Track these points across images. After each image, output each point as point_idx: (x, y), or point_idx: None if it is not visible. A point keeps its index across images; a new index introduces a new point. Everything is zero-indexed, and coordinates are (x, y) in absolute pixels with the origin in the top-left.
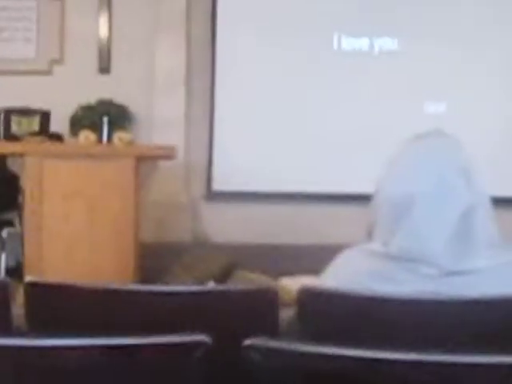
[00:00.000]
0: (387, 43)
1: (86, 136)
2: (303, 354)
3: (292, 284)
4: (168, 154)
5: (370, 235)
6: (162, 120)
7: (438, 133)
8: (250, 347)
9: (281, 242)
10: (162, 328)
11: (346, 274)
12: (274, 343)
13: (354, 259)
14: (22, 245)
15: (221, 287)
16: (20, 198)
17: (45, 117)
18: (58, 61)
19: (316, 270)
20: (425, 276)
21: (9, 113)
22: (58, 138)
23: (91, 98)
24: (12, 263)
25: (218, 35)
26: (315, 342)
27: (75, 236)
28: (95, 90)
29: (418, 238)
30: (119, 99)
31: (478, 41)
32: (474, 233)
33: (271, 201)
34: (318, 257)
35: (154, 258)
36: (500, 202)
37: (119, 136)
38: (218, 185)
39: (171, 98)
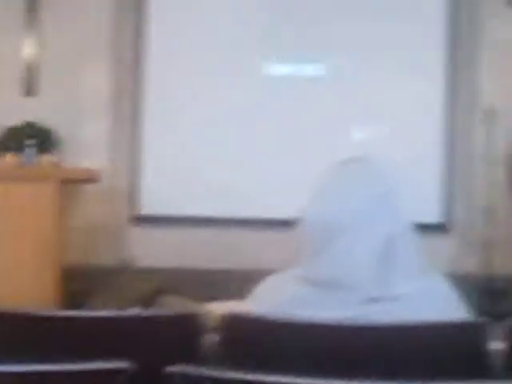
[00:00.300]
0: (314, 69)
1: (10, 159)
2: (226, 381)
3: (218, 309)
4: (93, 177)
5: (296, 260)
6: (88, 143)
7: (363, 159)
8: (172, 374)
9: (208, 266)
10: (85, 354)
11: (270, 300)
12: (196, 370)
13: (277, 285)
14: None
15: (146, 312)
16: None
17: None
18: None
19: (243, 295)
20: (346, 302)
21: None
22: None
23: (17, 121)
24: None
25: (146, 60)
26: (239, 368)
27: None
28: (21, 112)
29: (341, 265)
30: (46, 122)
31: (406, 66)
32: (395, 260)
33: (199, 225)
34: (245, 282)
35: (80, 282)
36: (425, 228)
37: (44, 159)
38: (144, 209)
39: (97, 121)
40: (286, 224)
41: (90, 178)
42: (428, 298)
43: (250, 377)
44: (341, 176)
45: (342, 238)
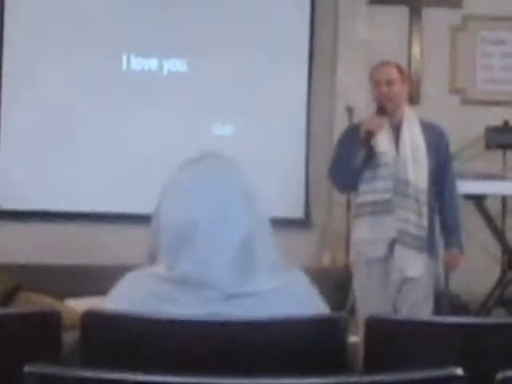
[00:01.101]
0: (176, 64)
1: None
2: (82, 380)
3: (77, 306)
4: None
5: (152, 258)
6: None
7: (215, 155)
8: (28, 373)
9: (68, 262)
10: None
11: (130, 297)
12: (53, 369)
13: (137, 281)
14: None
15: (2, 310)
16: None
17: None
18: None
19: (104, 292)
20: (207, 299)
21: None
22: None
23: None
24: None
25: (5, 52)
26: (97, 367)
27: None
28: None
29: (200, 264)
30: None
31: (265, 63)
32: (254, 257)
33: (58, 220)
34: (106, 278)
35: None
36: (281, 223)
37: None
38: (2, 203)
39: None
40: (147, 220)
41: None
42: (287, 294)
43: (107, 375)
44: (197, 174)
45: (199, 238)
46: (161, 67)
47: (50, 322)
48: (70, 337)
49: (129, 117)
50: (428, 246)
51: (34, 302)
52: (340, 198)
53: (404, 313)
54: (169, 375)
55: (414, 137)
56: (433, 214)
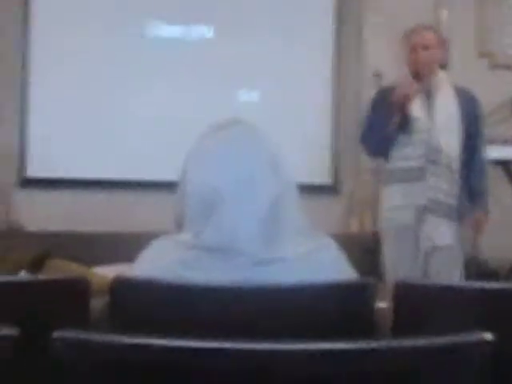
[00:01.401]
0: (202, 31)
1: None
2: (113, 345)
3: (106, 273)
4: None
5: (178, 225)
6: None
7: (239, 122)
8: (58, 339)
9: (96, 229)
10: None
11: (158, 263)
12: (81, 335)
13: (164, 248)
14: None
15: (31, 277)
16: None
17: None
18: None
19: (131, 259)
20: (234, 265)
21: None
22: None
23: None
24: None
25: (31, 20)
26: (126, 333)
27: None
28: None
29: (227, 230)
30: None
31: (292, 29)
32: (282, 222)
33: (86, 188)
34: (133, 245)
35: None
36: (308, 189)
37: None
38: (31, 171)
39: None
40: (174, 187)
41: None
42: (315, 260)
43: (137, 341)
44: (222, 140)
45: (226, 204)
46: (186, 34)
47: (78, 289)
48: (98, 303)
49: (153, 84)
50: (458, 214)
51: (63, 269)
52: (368, 164)
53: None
54: (196, 341)
55: (447, 103)
56: (463, 180)
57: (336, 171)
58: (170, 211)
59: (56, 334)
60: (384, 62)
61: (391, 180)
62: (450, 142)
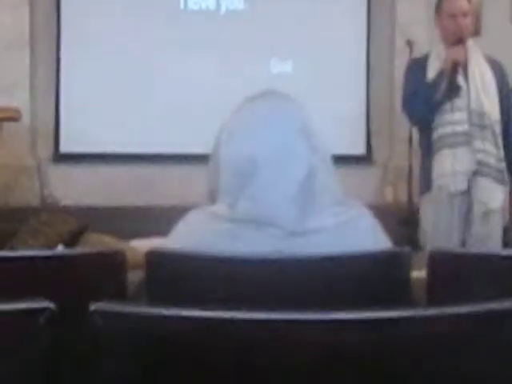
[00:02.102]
0: (233, 2)
1: None
2: (150, 317)
3: (141, 246)
4: (12, 116)
5: (212, 198)
6: (5, 81)
7: (274, 93)
8: (95, 312)
9: (130, 203)
10: (6, 294)
11: (193, 235)
12: (119, 307)
13: (199, 220)
14: None
15: (68, 251)
16: None
17: None
18: None
19: (166, 232)
20: (269, 236)
21: None
22: None
23: None
24: None
25: None
26: (162, 305)
27: None
28: None
29: (263, 201)
30: None
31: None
32: (317, 192)
33: (120, 162)
34: (167, 218)
35: (0, 223)
36: (342, 160)
37: None
38: (65, 147)
39: (15, 58)
40: (207, 160)
41: (10, 117)
42: (351, 229)
43: (174, 312)
44: (257, 111)
45: (260, 175)
46: (218, 6)
47: (114, 262)
48: (134, 277)
49: (187, 57)
50: (503, 178)
51: (99, 242)
52: (402, 134)
53: (476, 245)
54: (233, 311)
55: (481, 70)
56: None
57: (370, 141)
58: (202, 184)
59: (94, 307)
60: (416, 30)
61: (440, 147)
62: (491, 106)
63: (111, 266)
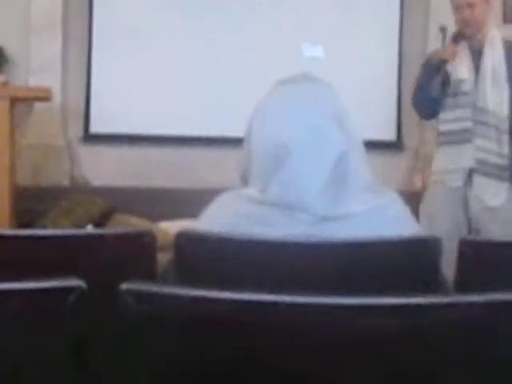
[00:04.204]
0: None
1: None
2: (179, 298)
3: (171, 227)
4: (44, 95)
5: (244, 181)
6: (38, 62)
7: (307, 77)
8: (125, 291)
9: (160, 185)
10: (37, 273)
11: (223, 218)
12: (149, 287)
13: (230, 203)
14: None
15: (98, 231)
16: None
17: None
18: None
19: (195, 215)
20: (300, 221)
21: None
22: None
23: None
24: None
25: None
26: (192, 286)
27: None
28: None
29: (295, 186)
30: None
31: None
32: (348, 178)
33: (150, 144)
34: (197, 201)
35: (31, 202)
36: (373, 146)
37: None
38: (95, 127)
39: (48, 39)
40: (237, 142)
41: (40, 97)
42: (381, 215)
43: (204, 293)
44: (289, 95)
45: (292, 159)
46: None
47: (144, 243)
48: (163, 258)
49: (218, 40)
50: (510, 174)
51: (129, 223)
52: (432, 122)
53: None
54: (263, 293)
55: (495, 62)
56: None
57: (400, 127)
58: (233, 167)
59: (124, 286)
60: (450, 16)
61: (442, 142)
62: (498, 102)
63: (141, 246)
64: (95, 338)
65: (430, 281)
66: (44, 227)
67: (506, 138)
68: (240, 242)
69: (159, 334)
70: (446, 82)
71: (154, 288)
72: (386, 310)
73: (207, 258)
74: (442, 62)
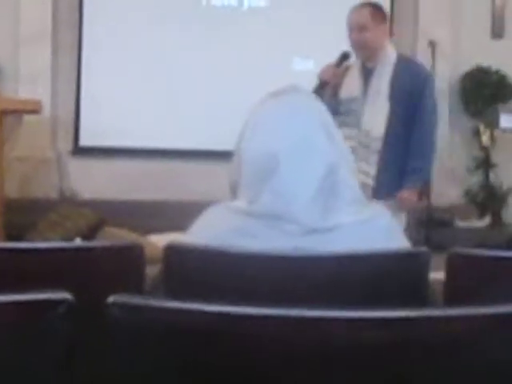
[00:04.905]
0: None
1: None
2: (166, 311)
3: (159, 241)
4: (34, 107)
5: (234, 193)
6: (27, 73)
7: (295, 89)
8: (112, 304)
9: (149, 198)
10: (24, 286)
11: (211, 231)
12: (136, 300)
13: (218, 216)
14: None
15: (86, 243)
16: None
17: None
18: None
19: (185, 228)
20: (287, 233)
21: None
22: None
23: None
24: None
25: None
26: (179, 299)
27: None
28: None
29: (283, 196)
30: None
31: None
32: (337, 189)
33: (139, 157)
34: (185, 214)
35: (19, 215)
36: None
37: None
38: (85, 140)
39: (37, 50)
40: (225, 155)
41: (31, 109)
42: (369, 228)
43: (190, 306)
44: (279, 107)
45: (282, 170)
46: (241, 2)
47: (132, 256)
48: (152, 271)
49: (208, 53)
50: (374, 194)
51: (117, 236)
52: None
53: None
54: (249, 307)
55: (381, 82)
56: (398, 157)
57: None
58: (223, 180)
59: (111, 299)
60: (439, 31)
61: None
62: (373, 120)
63: (129, 259)
64: (83, 350)
65: (418, 294)
66: (32, 240)
67: (374, 158)
68: (228, 255)
69: (146, 346)
70: (333, 100)
71: (140, 301)
72: (374, 323)
73: (195, 270)
74: (324, 84)
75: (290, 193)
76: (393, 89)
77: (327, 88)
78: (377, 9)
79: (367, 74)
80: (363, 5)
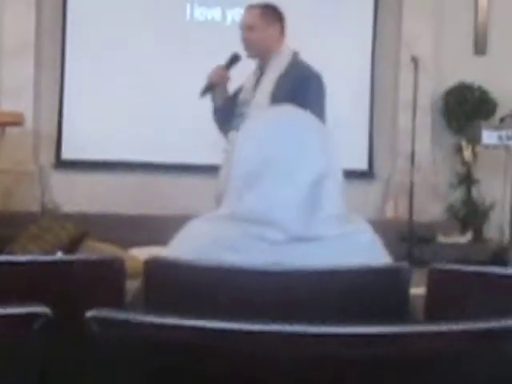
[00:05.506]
0: (240, 13)
1: None
2: (145, 325)
3: (140, 254)
4: (16, 120)
5: (219, 204)
6: (10, 86)
7: (290, 106)
8: (91, 318)
9: (130, 211)
10: (4, 299)
11: (191, 244)
12: (114, 314)
13: (198, 229)
14: None
15: (67, 257)
16: None
17: None
18: None
19: (165, 241)
20: (271, 243)
21: None
22: None
23: None
24: None
25: (69, 2)
26: (158, 313)
27: None
28: None
29: (268, 201)
30: None
31: (331, 15)
32: (323, 201)
33: (121, 170)
34: (167, 227)
35: (0, 227)
36: (347, 174)
37: None
38: (67, 153)
39: (20, 64)
40: (208, 169)
41: (13, 122)
42: (351, 242)
43: (170, 321)
44: (271, 115)
45: (269, 174)
46: (224, 17)
47: (113, 270)
48: (133, 284)
49: (192, 66)
50: None
51: (99, 249)
52: (404, 150)
53: None
54: (231, 322)
55: (266, 85)
56: None
57: (372, 156)
58: (205, 194)
59: (90, 313)
60: (422, 46)
61: None
62: None
63: (110, 273)
64: (61, 364)
65: (399, 309)
66: (12, 253)
67: None
68: (208, 268)
69: (126, 361)
70: (227, 102)
71: (119, 315)
72: (354, 339)
73: (175, 284)
74: (211, 86)
75: (275, 196)
76: (278, 90)
77: (217, 89)
78: (268, 9)
79: (259, 75)
80: (254, 5)
